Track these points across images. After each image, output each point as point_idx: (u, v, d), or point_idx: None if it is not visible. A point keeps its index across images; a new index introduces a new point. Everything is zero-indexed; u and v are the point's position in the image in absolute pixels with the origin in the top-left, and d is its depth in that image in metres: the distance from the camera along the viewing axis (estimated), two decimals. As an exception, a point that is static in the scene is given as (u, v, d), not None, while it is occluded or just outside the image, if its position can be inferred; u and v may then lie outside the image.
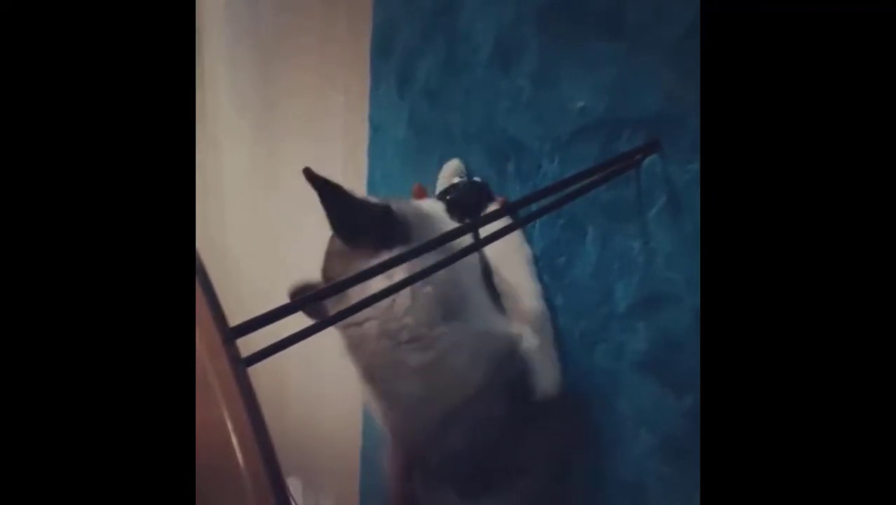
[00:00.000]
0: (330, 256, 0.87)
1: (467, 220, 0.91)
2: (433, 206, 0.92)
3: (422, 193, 0.96)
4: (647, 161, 0.76)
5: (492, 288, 0.89)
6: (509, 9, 0.94)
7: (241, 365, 0.32)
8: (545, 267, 0.93)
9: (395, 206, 0.84)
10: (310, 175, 0.74)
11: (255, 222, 2.27)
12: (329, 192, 0.77)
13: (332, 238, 0.87)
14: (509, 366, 0.81)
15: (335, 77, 1.59)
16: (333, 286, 0.55)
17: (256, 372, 0.40)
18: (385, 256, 0.78)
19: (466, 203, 0.94)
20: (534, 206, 0.79)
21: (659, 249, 0.76)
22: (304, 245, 1.85)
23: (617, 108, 0.79)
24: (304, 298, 0.46)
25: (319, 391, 1.98)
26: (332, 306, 0.82)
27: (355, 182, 1.49)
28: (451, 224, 0.90)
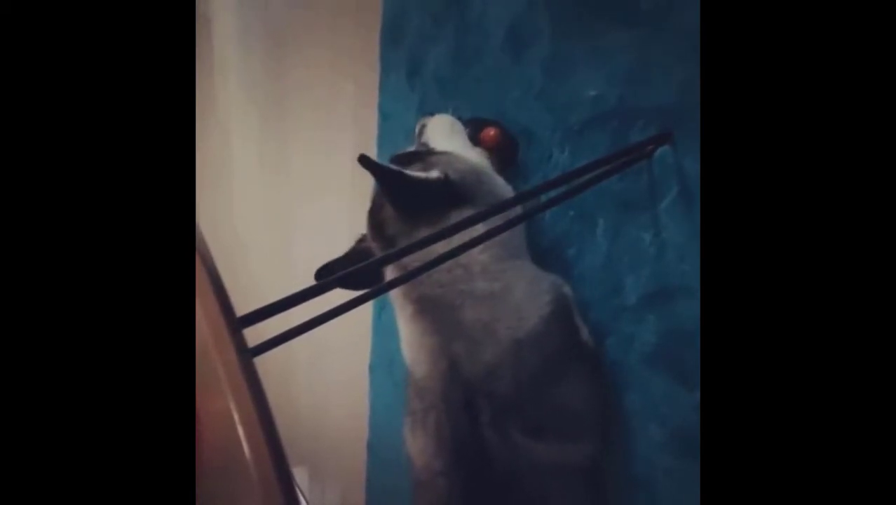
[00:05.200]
0: (387, 219, 0.87)
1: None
2: (481, 160, 0.93)
3: (496, 138, 0.96)
4: (658, 152, 0.75)
5: None
6: (521, -4, 0.93)
7: (248, 355, 0.32)
8: (555, 258, 0.92)
9: (451, 173, 0.85)
10: (366, 162, 0.76)
11: (264, 212, 2.27)
12: (388, 178, 0.80)
13: (382, 203, 0.88)
14: (561, 303, 0.82)
15: (345, 66, 1.58)
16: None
17: (264, 362, 0.40)
18: (448, 216, 0.81)
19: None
20: (544, 197, 0.78)
21: (670, 241, 0.75)
22: (313, 235, 1.86)
23: (630, 97, 0.78)
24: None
25: (327, 381, 1.99)
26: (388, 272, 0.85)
27: (364, 172, 1.48)
28: (497, 176, 0.91)
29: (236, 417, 0.28)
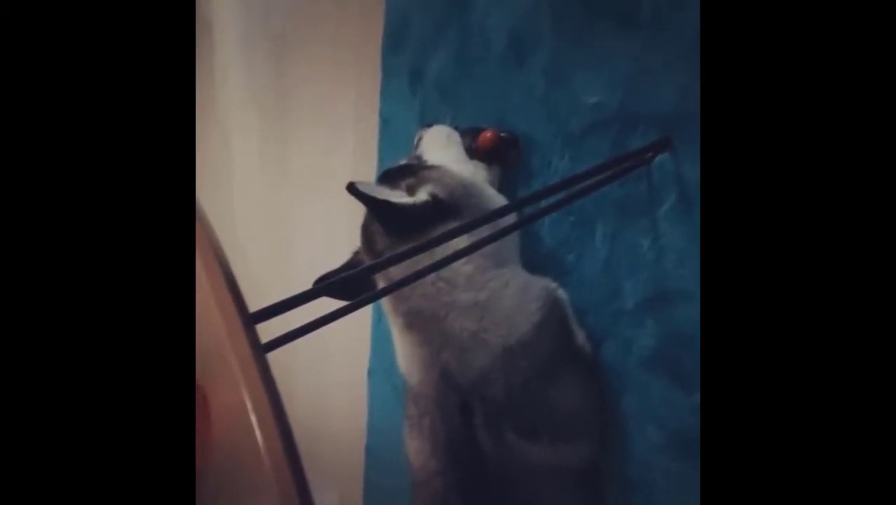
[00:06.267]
0: (376, 233, 0.89)
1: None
2: (475, 172, 0.94)
3: (492, 140, 0.96)
4: (658, 158, 0.76)
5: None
6: (523, 3, 0.94)
7: (261, 351, 0.32)
8: (554, 263, 0.93)
9: (440, 191, 0.86)
10: (355, 192, 0.77)
11: (264, 214, 2.27)
12: (377, 207, 0.82)
13: (373, 219, 0.89)
14: (554, 309, 0.83)
15: (346, 71, 1.59)
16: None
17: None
18: (435, 232, 0.81)
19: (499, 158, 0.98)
20: (543, 203, 0.79)
21: (669, 247, 0.76)
22: (313, 237, 1.86)
23: (630, 104, 0.79)
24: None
25: (326, 386, 1.99)
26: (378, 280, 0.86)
27: (365, 177, 1.49)
28: (489, 188, 0.92)
29: (249, 405, 0.29)
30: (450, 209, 0.84)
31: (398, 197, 0.84)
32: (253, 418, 0.29)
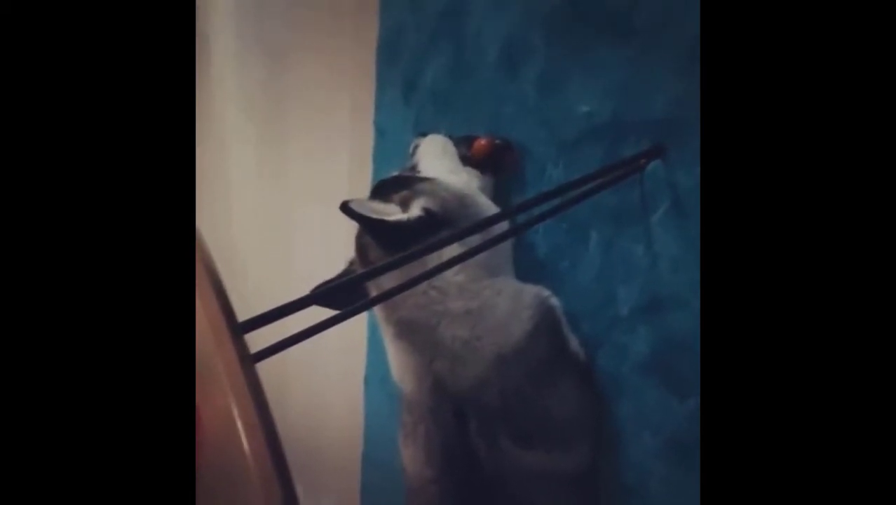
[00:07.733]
0: (369, 244, 0.89)
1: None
2: (469, 182, 0.94)
3: (487, 148, 0.97)
4: (651, 166, 0.76)
5: None
6: (516, 13, 0.95)
7: (249, 359, 0.32)
8: (548, 271, 0.93)
9: (433, 205, 0.86)
10: (349, 211, 0.79)
11: (261, 223, 2.28)
12: (372, 226, 0.83)
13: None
14: (547, 316, 0.83)
15: (342, 81, 1.59)
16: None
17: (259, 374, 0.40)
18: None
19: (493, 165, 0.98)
20: (537, 210, 0.79)
21: (662, 253, 0.77)
22: (310, 245, 1.87)
23: (623, 112, 0.79)
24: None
25: (322, 394, 1.99)
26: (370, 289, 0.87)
27: (360, 186, 1.49)
28: (482, 198, 0.92)
29: (236, 412, 0.29)
30: (444, 222, 0.85)
31: (392, 213, 0.84)
32: (240, 425, 0.29)
